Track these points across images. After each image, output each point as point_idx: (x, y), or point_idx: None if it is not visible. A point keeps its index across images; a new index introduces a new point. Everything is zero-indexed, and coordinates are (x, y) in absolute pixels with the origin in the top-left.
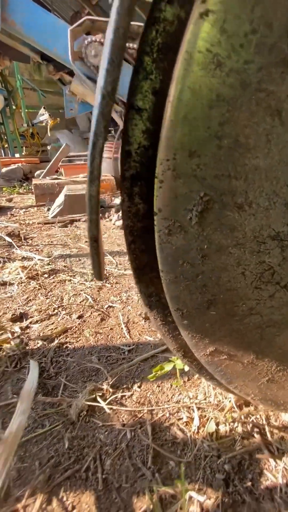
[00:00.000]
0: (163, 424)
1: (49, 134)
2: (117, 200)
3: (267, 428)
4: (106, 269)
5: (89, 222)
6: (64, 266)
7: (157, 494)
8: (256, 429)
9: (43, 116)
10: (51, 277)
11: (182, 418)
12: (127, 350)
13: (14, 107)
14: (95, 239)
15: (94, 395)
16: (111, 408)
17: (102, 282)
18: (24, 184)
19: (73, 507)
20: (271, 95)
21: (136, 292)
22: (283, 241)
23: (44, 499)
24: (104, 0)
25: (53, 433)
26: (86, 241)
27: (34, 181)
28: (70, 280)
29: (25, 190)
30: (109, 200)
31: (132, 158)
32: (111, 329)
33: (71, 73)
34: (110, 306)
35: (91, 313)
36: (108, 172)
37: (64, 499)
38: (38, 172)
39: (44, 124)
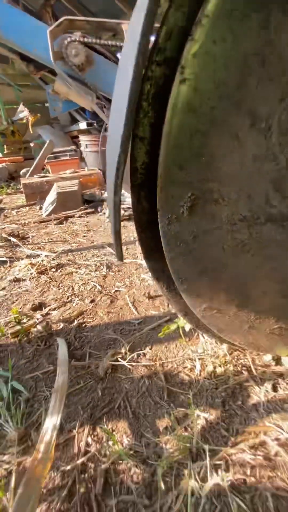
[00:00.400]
0: (172, 372)
1: (31, 131)
2: (106, 194)
3: (252, 367)
4: (108, 260)
5: (113, 221)
6: (69, 260)
7: (173, 415)
8: (244, 368)
9: (23, 112)
10: (59, 270)
11: (187, 367)
12: (137, 323)
13: None
14: (118, 232)
15: (115, 357)
16: (130, 365)
17: (122, 261)
18: (11, 184)
19: (113, 430)
20: (231, 126)
21: (140, 276)
22: (248, 222)
23: (90, 428)
24: None
25: (87, 386)
26: (84, 236)
27: (23, 181)
28: (76, 272)
29: (13, 190)
30: (99, 193)
31: (138, 171)
32: (120, 308)
33: (52, 72)
34: (116, 291)
35: (101, 297)
36: (95, 165)
37: (105, 426)
38: (23, 170)
39: (24, 121)
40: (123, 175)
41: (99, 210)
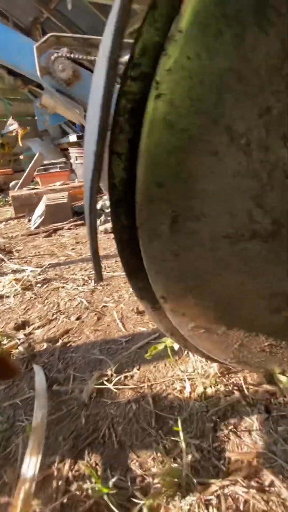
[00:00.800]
0: (161, 394)
1: (20, 144)
2: (97, 205)
3: (244, 386)
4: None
5: (90, 240)
6: (56, 275)
7: (162, 444)
8: (235, 388)
9: (12, 125)
10: (45, 286)
11: (176, 388)
12: (125, 341)
13: None
14: (95, 251)
15: (101, 380)
16: (117, 388)
17: (100, 283)
18: (0, 197)
19: (96, 464)
20: (209, 142)
21: (128, 290)
22: (231, 239)
23: (71, 462)
24: (62, 4)
25: (70, 413)
26: (73, 249)
27: (11, 193)
28: (63, 287)
29: (1, 203)
30: None
31: (117, 188)
32: (108, 325)
33: (39, 86)
34: (104, 306)
35: (88, 314)
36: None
37: (88, 459)
38: (13, 183)
39: (14, 134)
40: (96, 192)
41: None
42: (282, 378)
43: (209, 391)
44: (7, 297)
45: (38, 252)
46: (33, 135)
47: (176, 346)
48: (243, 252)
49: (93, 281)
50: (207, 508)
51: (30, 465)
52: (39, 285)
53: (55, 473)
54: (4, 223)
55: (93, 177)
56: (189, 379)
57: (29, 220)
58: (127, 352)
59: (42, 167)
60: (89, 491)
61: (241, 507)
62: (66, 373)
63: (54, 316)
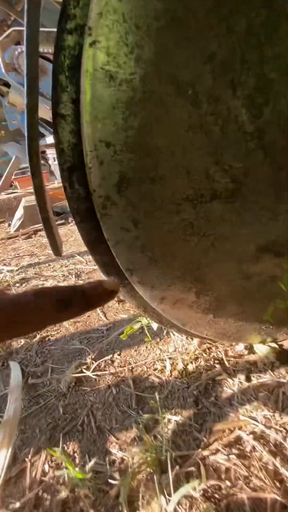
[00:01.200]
0: (142, 376)
1: None
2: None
3: (224, 359)
4: (78, 268)
5: (38, 206)
6: (35, 273)
7: (142, 424)
8: (216, 361)
9: None
10: (24, 285)
11: (157, 368)
12: (105, 329)
13: None
14: (46, 219)
15: (79, 369)
16: (96, 375)
17: (60, 257)
18: None
19: (74, 452)
20: (155, 93)
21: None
22: (192, 201)
23: (48, 453)
24: None
25: (48, 405)
26: None
27: None
28: (43, 285)
29: None
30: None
31: (66, 153)
32: (88, 316)
33: (7, 84)
34: None
35: None
36: None
37: (66, 448)
38: None
39: None
40: (38, 154)
41: (69, 220)
42: (262, 347)
43: (190, 367)
44: None
45: (18, 254)
46: (9, 139)
47: (155, 326)
48: (206, 214)
49: (73, 276)
50: (188, 480)
51: (0, 458)
52: (18, 284)
53: (30, 465)
54: None
55: (28, 134)
56: (169, 358)
57: (9, 225)
58: (107, 339)
59: (19, 171)
60: (66, 479)
61: (223, 476)
62: (44, 366)
63: None
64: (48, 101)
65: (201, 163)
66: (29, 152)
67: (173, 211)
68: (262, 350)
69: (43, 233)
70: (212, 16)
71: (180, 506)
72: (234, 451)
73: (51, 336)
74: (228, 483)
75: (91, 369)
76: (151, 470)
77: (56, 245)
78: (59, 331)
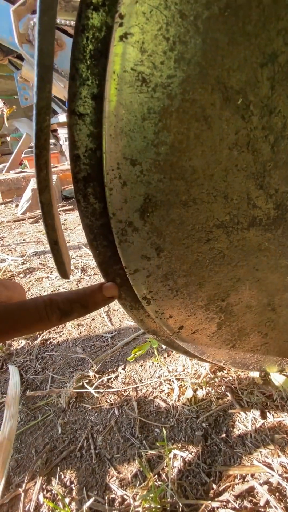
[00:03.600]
0: (147, 398)
1: (6, 124)
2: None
3: (238, 387)
4: (85, 262)
5: (45, 228)
6: (40, 264)
7: (145, 458)
8: (228, 389)
9: None
10: (27, 276)
11: (164, 390)
12: (110, 337)
13: None
14: (54, 242)
15: (81, 383)
16: (98, 392)
17: (67, 279)
18: None
19: (71, 482)
20: (196, 102)
21: None
22: (227, 228)
23: (43, 480)
24: None
25: (46, 422)
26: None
27: None
28: (47, 277)
29: None
30: None
31: (82, 161)
32: (92, 319)
33: (20, 57)
34: None
35: None
36: None
37: (62, 477)
38: (0, 166)
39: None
40: (47, 165)
41: None
42: (278, 377)
43: (200, 394)
44: None
45: (23, 240)
46: (21, 115)
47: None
48: (240, 243)
49: (79, 270)
50: None
51: None
52: (22, 275)
53: (24, 494)
54: None
55: (37, 139)
56: (178, 379)
57: (17, 205)
58: (111, 350)
59: (30, 149)
60: None
61: None
62: (44, 374)
63: None
64: (64, 78)
65: (243, 186)
66: (37, 163)
67: (204, 239)
68: (279, 380)
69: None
70: (282, 3)
71: None
72: (246, 504)
73: (53, 339)
74: None
75: (94, 385)
76: None
77: (64, 269)
78: (61, 333)
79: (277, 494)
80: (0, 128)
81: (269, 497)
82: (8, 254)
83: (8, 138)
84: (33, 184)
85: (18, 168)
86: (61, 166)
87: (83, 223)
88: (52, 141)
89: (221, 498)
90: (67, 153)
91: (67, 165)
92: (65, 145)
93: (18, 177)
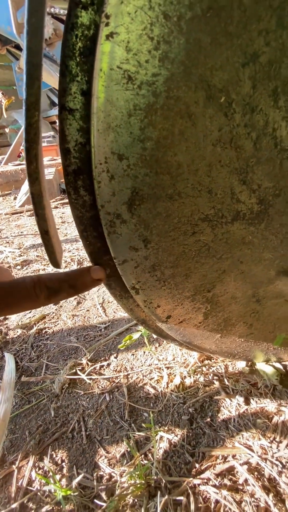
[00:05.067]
0: (137, 385)
1: (5, 116)
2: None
3: (224, 375)
4: (80, 255)
5: (36, 217)
6: (37, 256)
7: (133, 439)
8: (215, 377)
9: None
10: (24, 268)
11: (153, 378)
12: (104, 327)
13: None
14: (45, 232)
15: (74, 370)
16: (90, 378)
17: (58, 268)
18: None
19: (63, 461)
20: (180, 100)
21: None
22: (211, 221)
23: (36, 459)
24: None
25: (40, 406)
26: (57, 228)
27: None
28: (44, 269)
29: None
30: None
31: (72, 154)
32: (87, 310)
33: (19, 47)
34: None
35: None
36: None
37: (54, 456)
38: None
39: None
40: (37, 158)
41: None
42: (265, 367)
43: (188, 381)
44: None
45: (21, 232)
46: (19, 106)
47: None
48: (225, 236)
49: (76, 263)
50: (176, 510)
51: None
52: (18, 267)
53: (17, 471)
54: None
55: (27, 133)
56: (167, 368)
57: (15, 198)
58: (104, 339)
59: None
60: (52, 491)
61: (211, 507)
62: (38, 362)
63: None
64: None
65: (226, 181)
66: (28, 156)
67: (189, 231)
68: (265, 370)
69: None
70: (263, 5)
71: None
72: (226, 482)
73: (48, 329)
74: None
75: (86, 372)
76: (139, 493)
77: (55, 258)
78: (56, 323)
79: (255, 473)
80: (1, 122)
81: (248, 476)
82: (5, 246)
83: (7, 130)
84: None
85: (16, 160)
86: (59, 159)
87: (74, 215)
88: (51, 133)
89: (202, 476)
90: None
91: None
92: None
93: (17, 169)
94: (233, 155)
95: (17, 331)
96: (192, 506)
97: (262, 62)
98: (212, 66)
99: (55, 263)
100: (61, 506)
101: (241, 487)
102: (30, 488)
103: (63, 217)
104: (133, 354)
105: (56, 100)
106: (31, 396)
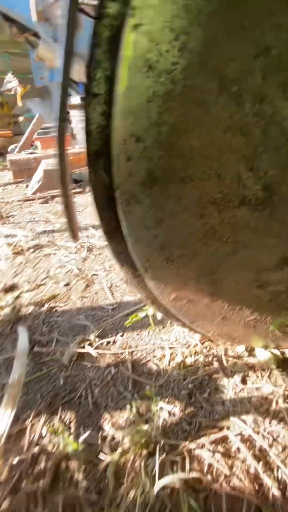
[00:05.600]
0: (141, 361)
1: (19, 104)
2: None
3: (223, 357)
4: (90, 242)
5: (62, 189)
6: (48, 241)
7: (135, 407)
8: (215, 359)
9: (11, 83)
10: (36, 251)
11: (156, 356)
12: (111, 309)
13: None
14: (67, 206)
15: (83, 345)
16: (97, 353)
17: (77, 243)
18: None
19: (71, 421)
20: (195, 88)
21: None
22: (219, 205)
23: (46, 418)
24: None
25: (50, 374)
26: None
27: (10, 157)
28: (55, 254)
29: (0, 167)
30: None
31: (93, 136)
32: (96, 293)
33: (37, 35)
34: (94, 274)
35: (77, 281)
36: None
37: (63, 417)
38: (12, 146)
39: (13, 92)
40: (64, 141)
41: (87, 190)
42: (263, 352)
43: (189, 360)
44: None
45: (33, 218)
46: (35, 95)
47: (159, 315)
48: (231, 220)
49: (85, 249)
50: (172, 468)
51: (3, 418)
52: (31, 250)
53: (30, 427)
54: (2, 187)
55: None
56: (170, 348)
57: (27, 186)
58: (112, 319)
59: (42, 130)
60: (60, 446)
61: (205, 470)
62: (49, 336)
63: (43, 281)
64: (80, 59)
65: (235, 167)
66: (59, 136)
67: (198, 214)
68: (263, 355)
69: (59, 199)
70: (277, 1)
71: (162, 490)
72: (220, 449)
73: (59, 308)
74: (209, 477)
75: (94, 346)
76: (139, 452)
77: (74, 231)
78: (66, 303)
79: (248, 443)
80: (14, 107)
81: (241, 444)
82: (19, 229)
83: (21, 118)
84: (44, 165)
85: (29, 149)
86: (72, 149)
87: (93, 195)
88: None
89: (198, 441)
90: (78, 137)
91: (77, 149)
92: (77, 128)
93: (30, 158)
94: (242, 142)
95: (30, 308)
96: (187, 466)
97: (273, 54)
98: (226, 57)
99: (75, 235)
100: (69, 460)
101: (233, 454)
102: (41, 442)
103: None
104: (138, 334)
105: (70, 90)
106: (43, 365)
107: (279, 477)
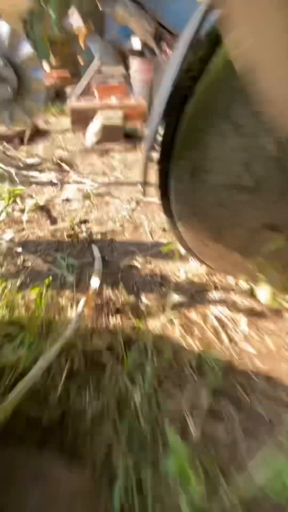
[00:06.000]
0: (165, 275)
1: (82, 47)
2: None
3: (218, 282)
4: (138, 197)
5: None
6: (107, 192)
7: (161, 293)
8: (212, 282)
9: (75, 21)
10: (99, 198)
11: (175, 273)
12: (150, 245)
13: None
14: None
15: (132, 261)
16: (140, 266)
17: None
18: (57, 104)
19: (122, 294)
20: (219, 128)
21: (159, 213)
22: (226, 188)
23: (113, 287)
24: None
25: (113, 273)
26: (121, 171)
27: (70, 105)
28: (112, 203)
29: (58, 111)
30: (141, 129)
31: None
32: (140, 234)
33: None
34: (140, 221)
35: (128, 224)
36: (142, 95)
37: (119, 289)
38: (69, 90)
39: (76, 33)
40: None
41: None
42: (246, 285)
43: (195, 279)
44: (72, 200)
45: (93, 170)
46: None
47: (183, 251)
48: (233, 197)
49: (134, 202)
50: (171, 323)
51: (95, 281)
52: (95, 197)
53: (105, 290)
54: (61, 134)
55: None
56: (185, 271)
57: (84, 135)
58: (150, 251)
59: (100, 75)
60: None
61: (189, 324)
62: (111, 253)
63: (105, 220)
64: (151, 21)
65: (237, 168)
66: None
67: (214, 190)
68: (260, 294)
69: (113, 153)
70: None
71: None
72: (196, 314)
73: (116, 238)
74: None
75: (139, 262)
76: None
77: (145, 188)
78: (121, 237)
79: (220, 322)
80: (74, 49)
81: (216, 323)
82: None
83: (80, 59)
84: (101, 118)
85: (86, 94)
86: (127, 101)
87: (159, 168)
88: (121, 69)
89: (190, 312)
90: (134, 87)
91: (133, 101)
92: (134, 77)
93: (88, 106)
94: (242, 155)
95: (98, 236)
96: (180, 320)
97: (263, 116)
98: (239, 115)
99: (144, 193)
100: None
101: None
102: (111, 297)
103: (125, 162)
104: (166, 261)
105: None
106: (108, 263)
107: None
